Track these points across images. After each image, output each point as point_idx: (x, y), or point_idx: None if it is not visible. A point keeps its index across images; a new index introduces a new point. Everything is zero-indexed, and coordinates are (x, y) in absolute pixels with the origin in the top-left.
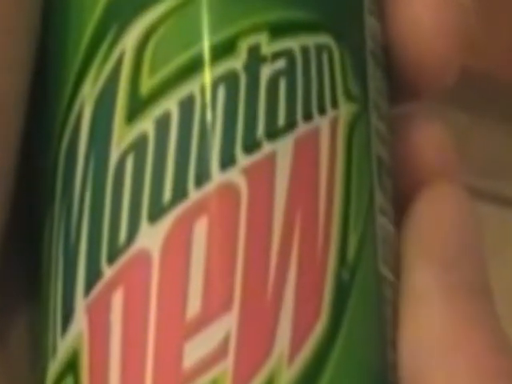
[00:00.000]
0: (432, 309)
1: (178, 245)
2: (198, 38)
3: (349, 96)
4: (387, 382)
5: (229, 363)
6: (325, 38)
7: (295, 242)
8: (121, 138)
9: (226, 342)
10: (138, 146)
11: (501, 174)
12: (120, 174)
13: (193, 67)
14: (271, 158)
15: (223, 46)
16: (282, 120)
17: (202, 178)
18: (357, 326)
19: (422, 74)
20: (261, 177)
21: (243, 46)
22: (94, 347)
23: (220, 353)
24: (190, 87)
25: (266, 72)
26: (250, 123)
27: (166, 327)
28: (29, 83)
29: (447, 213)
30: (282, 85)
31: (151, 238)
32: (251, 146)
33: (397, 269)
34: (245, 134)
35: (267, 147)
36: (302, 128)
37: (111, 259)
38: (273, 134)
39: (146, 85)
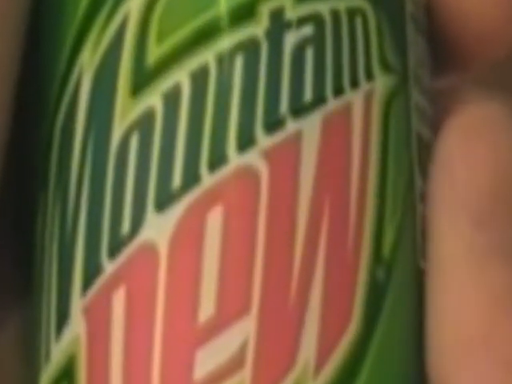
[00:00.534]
0: (459, 292)
1: (188, 237)
2: (213, 0)
3: (386, 67)
4: None
5: (246, 374)
6: (358, 1)
7: (323, 235)
8: (124, 113)
9: (243, 350)
10: (144, 123)
11: None
12: (123, 155)
13: (207, 34)
14: (296, 139)
15: (242, 9)
16: (308, 95)
17: (216, 160)
18: (393, 330)
19: (471, 41)
20: (284, 160)
21: (264, 10)
22: (92, 353)
23: (236, 362)
24: (204, 57)
25: (290, 39)
26: (271, 98)
27: (175, 332)
28: (21, 45)
29: (481, 157)
30: (309, 54)
31: (158, 229)
32: (273, 125)
33: None
34: (266, 110)
35: (291, 126)
36: (332, 104)
37: (112, 253)
38: (298, 110)
39: (154, 53)
